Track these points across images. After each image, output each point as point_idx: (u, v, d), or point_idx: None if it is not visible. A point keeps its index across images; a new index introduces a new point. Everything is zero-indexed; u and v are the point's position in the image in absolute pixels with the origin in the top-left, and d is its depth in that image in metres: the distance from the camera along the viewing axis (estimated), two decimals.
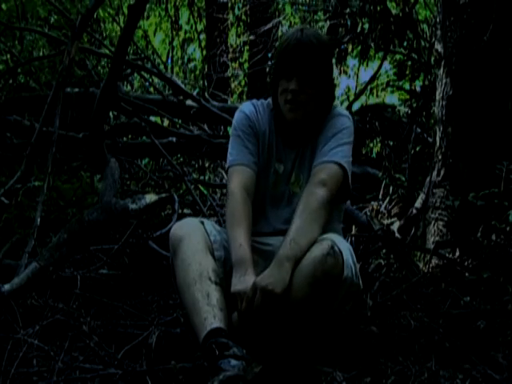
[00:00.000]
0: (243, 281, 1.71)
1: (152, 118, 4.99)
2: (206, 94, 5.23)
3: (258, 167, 1.98)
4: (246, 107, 2.05)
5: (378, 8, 4.16)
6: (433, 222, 2.75)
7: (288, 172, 1.98)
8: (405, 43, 4.49)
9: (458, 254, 2.62)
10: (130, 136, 4.75)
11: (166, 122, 5.23)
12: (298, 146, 1.98)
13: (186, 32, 7.76)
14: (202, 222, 1.90)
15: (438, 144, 2.80)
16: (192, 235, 1.84)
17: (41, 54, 5.15)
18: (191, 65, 7.94)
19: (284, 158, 2.00)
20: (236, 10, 7.82)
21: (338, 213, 2.03)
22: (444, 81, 2.76)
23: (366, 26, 4.64)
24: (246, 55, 8.06)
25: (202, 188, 4.00)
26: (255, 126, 2.01)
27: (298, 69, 1.86)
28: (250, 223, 1.86)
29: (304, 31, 1.89)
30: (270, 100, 2.04)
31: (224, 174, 4.91)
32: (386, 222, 3.42)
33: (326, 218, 1.82)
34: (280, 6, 7.06)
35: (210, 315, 1.67)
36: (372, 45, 4.39)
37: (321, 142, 1.92)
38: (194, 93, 4.88)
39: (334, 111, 1.98)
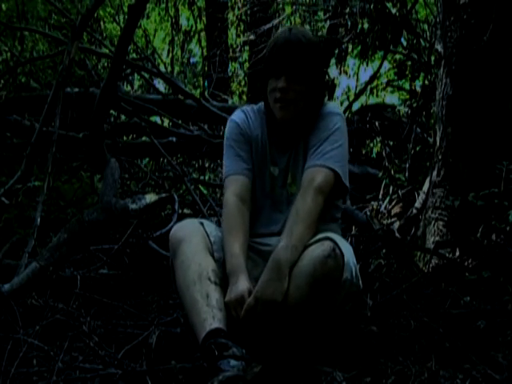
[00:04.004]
0: (235, 289, 1.73)
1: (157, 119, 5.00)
2: (206, 94, 5.23)
3: (254, 172, 1.99)
4: (236, 116, 2.06)
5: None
6: (433, 222, 2.75)
7: (283, 174, 1.98)
8: (405, 43, 4.50)
9: (458, 253, 2.62)
10: (130, 136, 4.75)
11: (166, 122, 5.23)
12: (291, 147, 1.98)
13: (185, 32, 7.76)
14: (202, 223, 1.91)
15: (438, 144, 2.80)
16: (192, 236, 1.84)
17: (41, 53, 5.15)
18: (192, 61, 7.95)
19: (278, 160, 1.99)
20: (236, 10, 7.81)
21: (335, 210, 2.03)
22: (444, 81, 2.76)
23: (366, 26, 4.65)
24: (245, 55, 8.06)
25: (202, 188, 4.00)
26: (247, 133, 2.02)
27: (287, 66, 1.86)
28: (244, 230, 1.88)
29: (292, 30, 1.91)
30: (261, 104, 2.05)
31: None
32: (385, 221, 3.42)
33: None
34: (280, 6, 7.05)
35: (210, 316, 1.67)
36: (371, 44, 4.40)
37: (313, 142, 1.91)
38: (193, 92, 4.88)
39: (326, 108, 1.97)
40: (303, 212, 1.79)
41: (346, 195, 2.00)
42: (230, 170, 1.98)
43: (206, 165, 4.96)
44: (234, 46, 7.98)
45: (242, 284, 1.73)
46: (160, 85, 5.82)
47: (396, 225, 3.19)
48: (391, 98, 6.00)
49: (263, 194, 2.00)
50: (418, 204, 3.14)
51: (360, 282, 1.81)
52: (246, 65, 7.99)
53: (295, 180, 1.96)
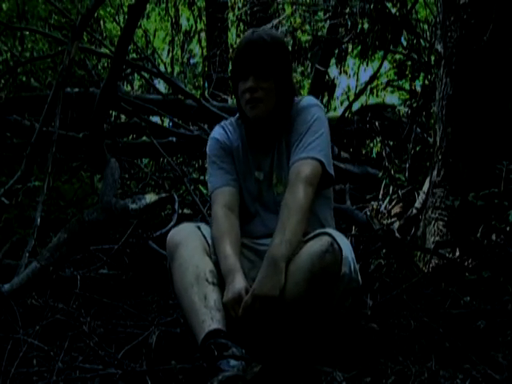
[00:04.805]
0: (232, 288, 1.73)
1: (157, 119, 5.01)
2: (206, 94, 5.23)
3: (240, 181, 2.00)
4: (215, 132, 2.08)
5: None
6: (433, 222, 2.75)
7: (268, 177, 1.98)
8: (405, 43, 4.50)
9: (458, 253, 2.62)
10: (130, 136, 4.75)
11: (165, 122, 5.24)
12: (273, 148, 1.98)
13: (185, 32, 7.76)
14: (199, 227, 1.91)
15: (438, 144, 2.80)
16: (189, 240, 1.85)
17: (41, 53, 5.15)
18: (192, 62, 7.95)
19: (262, 164, 2.00)
20: (236, 10, 7.81)
21: (326, 201, 2.03)
22: (444, 81, 2.76)
23: (366, 26, 4.65)
24: None
25: (201, 188, 4.00)
26: (227, 146, 2.03)
27: (253, 66, 1.86)
28: (235, 233, 1.89)
29: (255, 32, 1.92)
30: (238, 114, 2.06)
31: None
32: (385, 221, 3.42)
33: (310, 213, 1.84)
34: (280, 6, 7.05)
35: (208, 317, 1.67)
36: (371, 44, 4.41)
37: (294, 138, 1.91)
38: (193, 92, 4.89)
39: (302, 102, 1.96)
40: (294, 206, 1.78)
41: (332, 184, 2.00)
42: (215, 184, 2.00)
43: (206, 165, 4.96)
44: (234, 45, 7.98)
45: (238, 283, 1.73)
46: (160, 85, 5.82)
47: (396, 225, 3.19)
48: (391, 98, 6.00)
49: (252, 199, 2.01)
50: (417, 204, 3.14)
51: (359, 276, 1.80)
52: None
53: (280, 180, 1.96)
